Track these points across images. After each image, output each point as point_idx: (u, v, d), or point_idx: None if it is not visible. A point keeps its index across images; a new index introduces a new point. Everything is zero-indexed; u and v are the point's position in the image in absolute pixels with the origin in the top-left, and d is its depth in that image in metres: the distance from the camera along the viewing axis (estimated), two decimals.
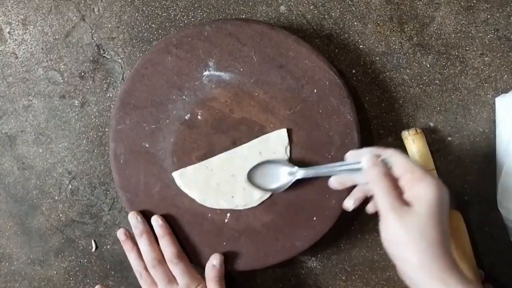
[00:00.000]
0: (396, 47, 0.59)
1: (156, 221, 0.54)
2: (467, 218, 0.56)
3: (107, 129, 0.60)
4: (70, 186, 0.61)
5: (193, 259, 0.55)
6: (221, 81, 0.55)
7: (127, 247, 0.55)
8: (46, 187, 0.61)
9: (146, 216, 0.55)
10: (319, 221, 0.54)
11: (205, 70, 0.55)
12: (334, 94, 0.55)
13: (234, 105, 0.55)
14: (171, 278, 0.53)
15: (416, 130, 0.56)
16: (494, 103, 0.58)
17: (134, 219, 0.54)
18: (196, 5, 0.60)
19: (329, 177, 0.49)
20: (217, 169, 0.54)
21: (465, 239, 0.54)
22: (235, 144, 0.55)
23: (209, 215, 0.55)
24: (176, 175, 0.55)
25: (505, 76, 0.58)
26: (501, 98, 0.57)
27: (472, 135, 0.58)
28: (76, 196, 0.61)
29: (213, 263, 0.53)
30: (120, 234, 0.55)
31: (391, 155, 0.44)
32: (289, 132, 0.55)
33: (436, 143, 0.58)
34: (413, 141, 0.56)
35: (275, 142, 0.54)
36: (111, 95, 0.61)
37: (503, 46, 0.58)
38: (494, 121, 0.58)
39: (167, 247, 0.53)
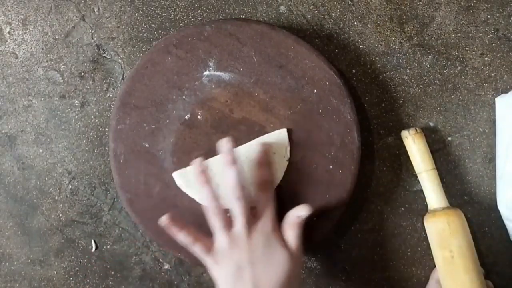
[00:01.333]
0: (396, 47, 0.59)
1: (227, 143, 0.50)
2: (467, 218, 0.56)
3: (107, 129, 0.60)
4: (70, 186, 0.61)
5: (192, 259, 0.55)
6: (221, 81, 0.55)
7: (203, 179, 0.50)
8: (46, 187, 0.61)
9: (146, 216, 0.55)
10: (320, 220, 0.54)
11: (205, 70, 0.55)
12: (334, 94, 0.55)
13: (234, 105, 0.55)
14: (248, 215, 0.50)
15: (416, 130, 0.56)
16: (494, 103, 0.58)
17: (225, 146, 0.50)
18: (196, 5, 0.60)
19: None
20: (217, 169, 0.54)
21: (467, 237, 0.54)
22: (235, 144, 0.55)
23: None
24: (176, 175, 0.55)
25: (505, 76, 0.58)
26: (501, 98, 0.57)
27: (472, 135, 0.58)
28: (76, 196, 0.61)
29: (301, 213, 0.50)
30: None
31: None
32: (289, 132, 0.55)
33: (436, 143, 0.58)
34: (413, 140, 0.56)
35: (275, 142, 0.54)
36: (111, 95, 0.61)
37: (503, 46, 0.58)
38: (494, 121, 0.58)
39: (261, 171, 0.52)
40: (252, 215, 0.50)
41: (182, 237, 0.50)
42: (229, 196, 0.50)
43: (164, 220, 0.50)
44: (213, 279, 0.50)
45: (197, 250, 0.50)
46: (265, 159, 0.53)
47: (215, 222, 0.50)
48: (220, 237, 0.50)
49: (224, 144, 0.50)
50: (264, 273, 0.48)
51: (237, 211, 0.50)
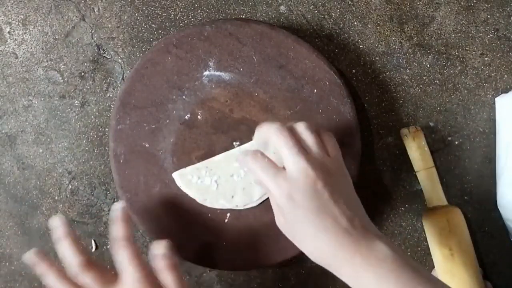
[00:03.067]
0: (396, 47, 0.59)
1: (60, 220, 0.46)
2: (467, 218, 0.56)
3: (107, 129, 0.60)
4: (70, 186, 0.61)
5: (193, 259, 0.55)
6: (221, 81, 0.55)
7: (44, 266, 0.45)
8: (46, 187, 0.61)
9: (146, 216, 0.55)
10: None
11: (205, 70, 0.55)
12: (334, 94, 0.55)
13: (234, 105, 0.55)
14: (108, 277, 0.45)
15: (415, 128, 0.56)
16: (494, 103, 0.58)
17: (57, 221, 0.46)
18: (196, 5, 0.60)
19: None
20: (217, 169, 0.54)
21: (466, 235, 0.54)
22: (235, 144, 0.55)
23: (209, 215, 0.55)
24: (176, 175, 0.55)
25: (505, 76, 0.58)
26: (501, 98, 0.57)
27: (472, 135, 0.58)
28: (76, 196, 0.61)
29: (159, 252, 0.45)
30: (32, 256, 0.45)
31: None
32: None
33: (436, 143, 0.58)
34: (413, 138, 0.56)
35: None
36: (111, 95, 0.61)
37: (503, 46, 0.58)
38: (494, 121, 0.58)
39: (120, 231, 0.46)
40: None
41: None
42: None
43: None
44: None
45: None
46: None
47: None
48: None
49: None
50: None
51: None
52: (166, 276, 0.45)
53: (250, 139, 0.55)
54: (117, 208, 0.47)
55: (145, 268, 0.45)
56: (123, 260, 0.45)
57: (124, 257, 0.45)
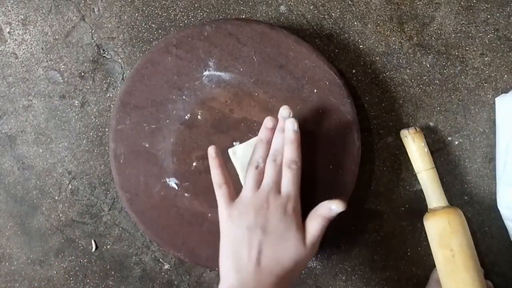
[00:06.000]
0: (396, 47, 0.59)
1: (292, 124, 0.49)
2: (467, 218, 0.56)
3: (107, 129, 0.60)
4: (70, 186, 0.61)
5: (192, 259, 0.55)
6: (221, 81, 0.55)
7: (267, 126, 0.51)
8: (46, 187, 0.61)
9: (146, 216, 0.55)
10: None
11: (205, 70, 0.55)
12: (334, 94, 0.55)
13: (234, 105, 0.55)
14: (279, 182, 0.49)
15: (415, 129, 0.56)
16: (494, 103, 0.58)
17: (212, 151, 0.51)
18: (196, 5, 0.60)
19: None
20: (243, 154, 0.53)
21: (467, 236, 0.54)
22: (235, 144, 0.55)
23: (209, 215, 0.55)
24: (231, 151, 0.54)
25: (505, 76, 0.58)
26: (501, 98, 0.57)
27: (472, 135, 0.58)
28: (76, 196, 0.61)
29: (331, 207, 0.47)
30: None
31: None
32: None
33: (436, 143, 0.58)
34: (413, 140, 0.56)
35: None
36: (111, 95, 0.61)
37: (503, 46, 0.58)
38: (494, 121, 0.58)
39: (291, 152, 0.49)
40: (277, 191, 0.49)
41: (216, 173, 0.49)
42: (268, 157, 0.50)
43: (212, 149, 0.50)
44: (221, 233, 0.48)
45: (220, 194, 0.49)
46: (296, 138, 0.49)
47: (248, 178, 0.49)
48: (246, 191, 0.49)
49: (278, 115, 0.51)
50: (273, 248, 0.46)
51: (270, 172, 0.49)
52: (316, 222, 0.48)
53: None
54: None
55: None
56: (287, 180, 0.49)
57: (289, 177, 0.49)
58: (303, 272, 0.59)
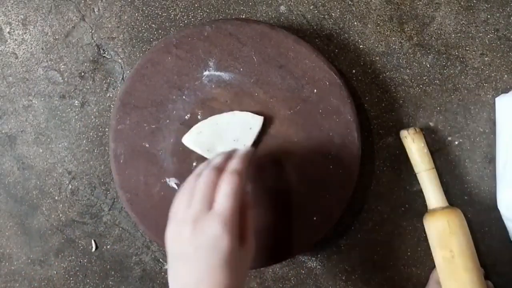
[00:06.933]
0: (396, 47, 0.59)
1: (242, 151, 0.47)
2: (467, 218, 0.56)
3: (107, 129, 0.60)
4: (70, 186, 0.61)
5: None
6: (221, 81, 0.55)
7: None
8: (46, 187, 0.61)
9: (146, 216, 0.55)
10: (319, 221, 0.54)
11: (205, 70, 0.55)
12: (334, 94, 0.55)
13: (234, 105, 0.55)
14: (212, 196, 0.44)
15: (415, 129, 0.56)
16: (494, 103, 0.58)
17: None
18: (196, 5, 0.60)
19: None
20: (223, 124, 0.54)
21: (467, 236, 0.54)
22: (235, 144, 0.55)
23: None
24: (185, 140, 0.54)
25: (505, 76, 0.58)
26: (501, 98, 0.57)
27: (472, 135, 0.58)
28: (76, 196, 0.61)
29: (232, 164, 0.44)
30: None
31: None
32: (290, 132, 0.55)
33: (436, 143, 0.58)
34: (413, 140, 0.56)
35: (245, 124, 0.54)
36: (111, 95, 0.61)
37: (503, 46, 0.58)
38: (494, 121, 0.58)
39: (237, 161, 0.45)
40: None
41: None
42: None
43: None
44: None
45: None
46: (245, 154, 0.47)
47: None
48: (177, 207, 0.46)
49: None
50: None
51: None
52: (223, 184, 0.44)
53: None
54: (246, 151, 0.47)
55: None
56: (223, 192, 0.44)
57: (226, 187, 0.44)
58: (302, 272, 0.59)
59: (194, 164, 0.55)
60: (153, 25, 0.60)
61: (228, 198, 0.43)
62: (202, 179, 0.45)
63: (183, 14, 0.60)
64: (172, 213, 0.46)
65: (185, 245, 0.44)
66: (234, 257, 0.42)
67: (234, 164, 0.45)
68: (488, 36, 0.58)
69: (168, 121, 0.56)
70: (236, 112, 0.54)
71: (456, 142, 0.58)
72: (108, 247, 0.61)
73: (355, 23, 0.59)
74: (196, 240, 0.43)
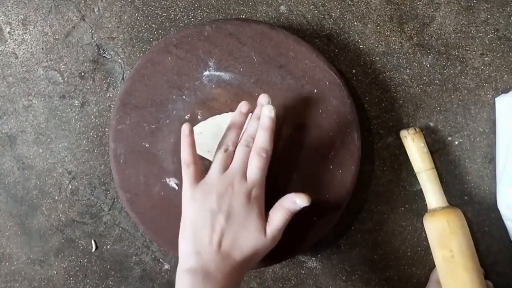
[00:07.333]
0: (396, 47, 0.59)
1: (269, 110, 0.49)
2: (467, 218, 0.56)
3: (107, 129, 0.60)
4: (70, 186, 0.61)
5: None
6: (221, 81, 0.55)
7: (242, 111, 0.51)
8: (46, 187, 0.61)
9: (146, 216, 0.55)
10: (320, 220, 0.54)
11: (205, 70, 0.55)
12: (334, 94, 0.55)
13: (234, 105, 0.55)
14: (246, 168, 0.48)
15: (415, 129, 0.56)
16: (494, 103, 0.58)
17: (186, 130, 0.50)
18: (196, 5, 0.60)
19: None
20: (224, 124, 0.53)
21: (467, 236, 0.54)
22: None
23: None
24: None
25: (505, 76, 0.58)
26: (501, 98, 0.57)
27: (472, 135, 0.58)
28: (76, 196, 0.61)
29: (296, 200, 0.48)
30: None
31: None
32: (290, 132, 0.55)
33: (436, 143, 0.58)
34: (413, 140, 0.56)
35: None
36: (111, 95, 0.61)
37: (503, 46, 0.58)
38: (494, 121, 0.58)
39: (263, 139, 0.48)
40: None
41: (186, 152, 0.49)
42: (240, 142, 0.49)
43: (186, 127, 0.49)
44: (182, 214, 0.48)
45: (187, 174, 0.48)
46: (270, 125, 0.49)
47: (215, 161, 0.49)
48: (212, 173, 0.48)
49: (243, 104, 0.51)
50: (234, 235, 0.46)
51: (239, 157, 0.48)
52: (279, 213, 0.48)
53: None
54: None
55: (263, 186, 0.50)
56: (254, 167, 0.48)
57: (256, 164, 0.48)
58: (302, 272, 0.59)
59: None
60: (153, 25, 0.60)
61: (258, 171, 0.48)
62: (237, 154, 0.49)
63: (183, 14, 0.60)
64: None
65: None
66: (262, 219, 0.48)
67: (261, 141, 0.48)
68: (488, 36, 0.58)
69: (168, 121, 0.56)
70: None
71: (456, 142, 0.58)
72: (108, 247, 0.61)
73: (355, 23, 0.59)
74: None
